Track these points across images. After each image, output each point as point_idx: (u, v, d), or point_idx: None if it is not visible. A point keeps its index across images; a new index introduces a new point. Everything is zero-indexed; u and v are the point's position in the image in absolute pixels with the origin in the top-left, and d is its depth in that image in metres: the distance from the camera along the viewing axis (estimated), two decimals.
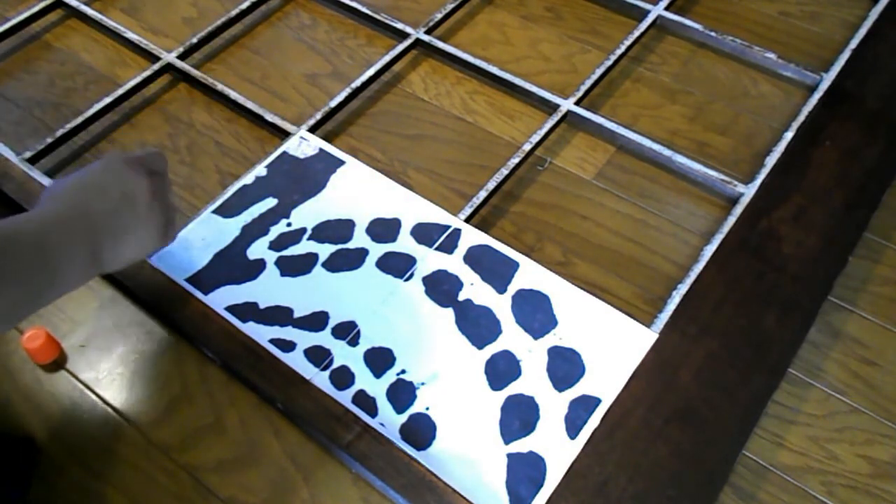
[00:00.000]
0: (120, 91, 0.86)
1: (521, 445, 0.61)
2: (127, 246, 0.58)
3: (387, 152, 0.83)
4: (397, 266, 0.71)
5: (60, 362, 0.68)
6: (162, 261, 0.71)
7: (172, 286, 0.70)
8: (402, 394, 0.63)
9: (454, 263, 0.71)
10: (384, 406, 0.63)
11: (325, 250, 0.72)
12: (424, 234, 0.73)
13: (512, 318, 0.67)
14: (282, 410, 0.64)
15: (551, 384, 0.63)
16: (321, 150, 0.80)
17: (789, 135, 0.80)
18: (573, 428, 0.61)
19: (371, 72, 0.88)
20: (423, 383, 0.64)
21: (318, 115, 0.83)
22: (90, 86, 0.91)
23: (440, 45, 0.91)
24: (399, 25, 0.93)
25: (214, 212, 0.75)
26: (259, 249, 0.72)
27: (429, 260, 0.71)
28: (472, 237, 0.72)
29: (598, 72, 0.86)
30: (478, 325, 0.67)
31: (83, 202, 0.55)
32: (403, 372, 0.65)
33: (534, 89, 0.86)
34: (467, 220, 0.74)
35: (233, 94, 0.86)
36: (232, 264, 0.71)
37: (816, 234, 0.72)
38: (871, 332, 0.70)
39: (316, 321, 0.68)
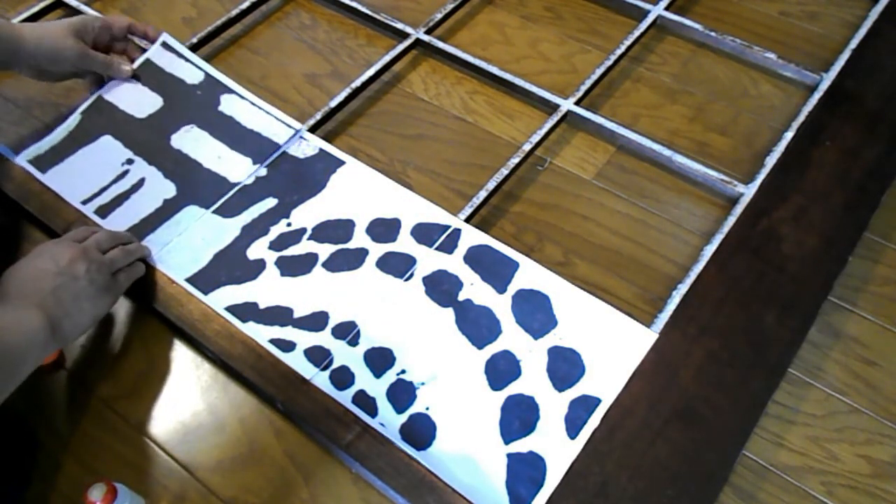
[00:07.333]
0: None
1: (521, 445, 0.61)
2: (82, 313, 0.61)
3: (387, 152, 0.83)
4: (397, 266, 0.71)
5: (60, 362, 0.68)
6: (162, 261, 0.72)
7: (172, 286, 0.70)
8: (402, 394, 0.63)
9: (454, 263, 0.71)
10: (384, 406, 0.63)
11: (325, 250, 0.72)
12: (424, 234, 0.73)
13: (512, 318, 0.67)
14: (282, 410, 0.64)
15: (551, 384, 0.63)
16: (321, 150, 0.80)
17: (789, 135, 0.80)
18: (573, 428, 0.61)
19: (371, 72, 0.88)
20: (423, 383, 0.64)
21: (318, 115, 0.83)
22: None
23: (440, 45, 0.91)
24: (399, 25, 0.93)
25: (214, 212, 0.75)
26: (259, 249, 0.72)
27: (429, 260, 0.71)
28: (472, 237, 0.72)
29: (598, 72, 0.86)
30: (478, 325, 0.67)
31: (27, 292, 0.59)
32: (403, 372, 0.65)
33: (534, 89, 0.86)
34: (467, 220, 0.74)
35: None
36: (232, 264, 0.71)
37: (816, 234, 0.72)
38: (871, 332, 0.70)
39: (316, 321, 0.67)
